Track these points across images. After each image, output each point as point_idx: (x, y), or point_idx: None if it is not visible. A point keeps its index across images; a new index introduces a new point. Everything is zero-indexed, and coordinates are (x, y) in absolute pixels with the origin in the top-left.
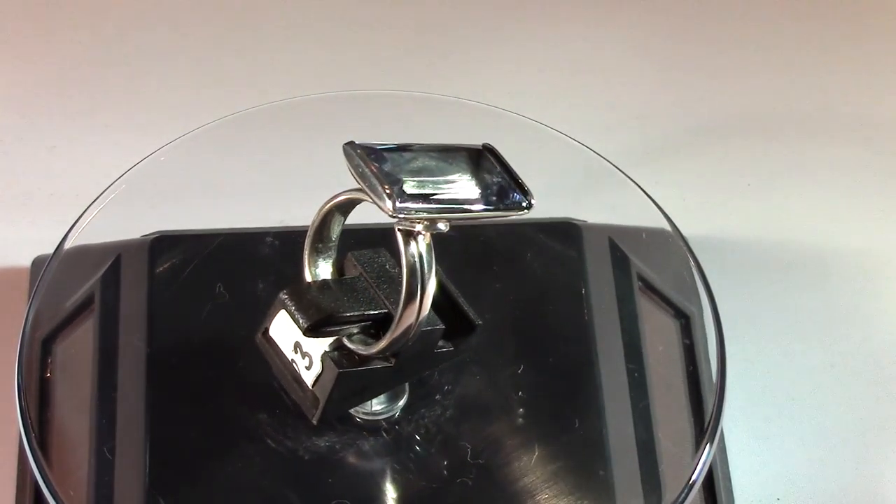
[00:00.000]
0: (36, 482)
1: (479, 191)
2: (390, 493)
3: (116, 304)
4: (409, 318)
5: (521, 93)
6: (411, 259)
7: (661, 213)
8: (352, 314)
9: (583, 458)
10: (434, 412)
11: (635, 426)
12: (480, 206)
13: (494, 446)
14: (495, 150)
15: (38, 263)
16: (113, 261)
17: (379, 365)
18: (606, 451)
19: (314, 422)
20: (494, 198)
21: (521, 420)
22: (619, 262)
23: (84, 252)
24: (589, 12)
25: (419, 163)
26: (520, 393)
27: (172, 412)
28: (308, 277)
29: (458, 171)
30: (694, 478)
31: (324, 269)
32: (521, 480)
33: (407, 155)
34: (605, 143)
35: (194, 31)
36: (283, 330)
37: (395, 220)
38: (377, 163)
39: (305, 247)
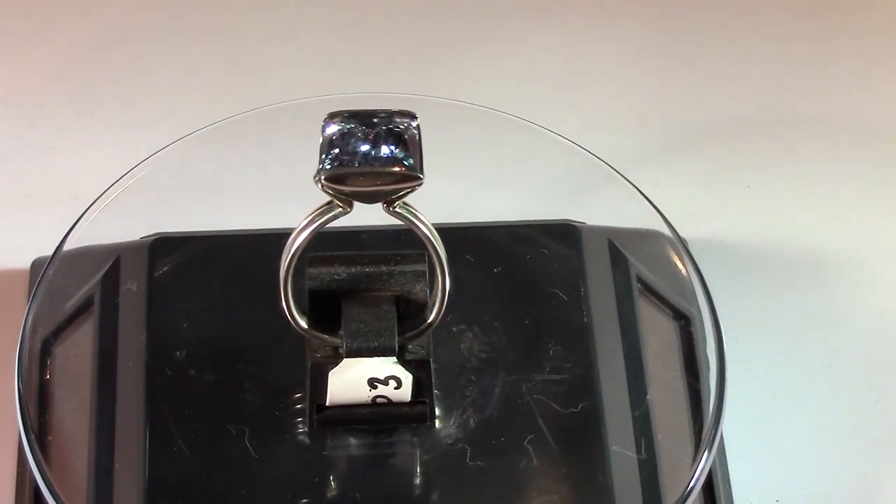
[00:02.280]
0: (35, 482)
1: (396, 132)
2: (389, 494)
3: (116, 306)
4: (445, 274)
5: (520, 94)
6: (423, 224)
7: (659, 216)
8: (395, 317)
9: (582, 460)
10: (432, 414)
11: (634, 428)
12: (415, 135)
13: (493, 448)
14: (341, 111)
15: (38, 265)
16: (112, 262)
17: (427, 334)
18: (606, 453)
19: (436, 421)
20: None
21: (519, 422)
22: (618, 263)
23: (83, 254)
24: (587, 14)
25: (361, 143)
26: (518, 395)
27: (172, 413)
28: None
29: (371, 133)
30: (693, 482)
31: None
32: (520, 483)
33: (349, 147)
34: (605, 144)
35: (194, 34)
36: (347, 385)
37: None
38: (362, 166)
39: (291, 316)
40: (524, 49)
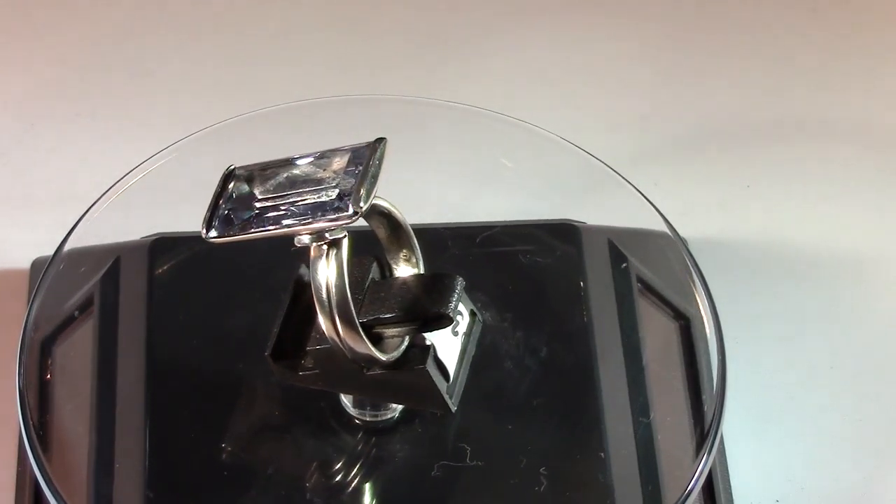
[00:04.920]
0: (36, 482)
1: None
2: (389, 494)
3: (116, 306)
4: (407, 224)
5: (520, 96)
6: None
7: (659, 216)
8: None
9: (582, 460)
10: (432, 415)
11: (634, 429)
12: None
13: (493, 448)
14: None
15: (38, 265)
16: (112, 262)
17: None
18: (606, 453)
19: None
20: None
21: (519, 422)
22: (619, 263)
23: (84, 254)
24: (588, 15)
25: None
26: (519, 395)
27: (172, 413)
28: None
29: (317, 167)
30: (693, 482)
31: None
32: (519, 483)
33: (347, 175)
34: (605, 144)
35: (195, 34)
36: (451, 349)
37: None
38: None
39: (378, 360)
40: (524, 50)
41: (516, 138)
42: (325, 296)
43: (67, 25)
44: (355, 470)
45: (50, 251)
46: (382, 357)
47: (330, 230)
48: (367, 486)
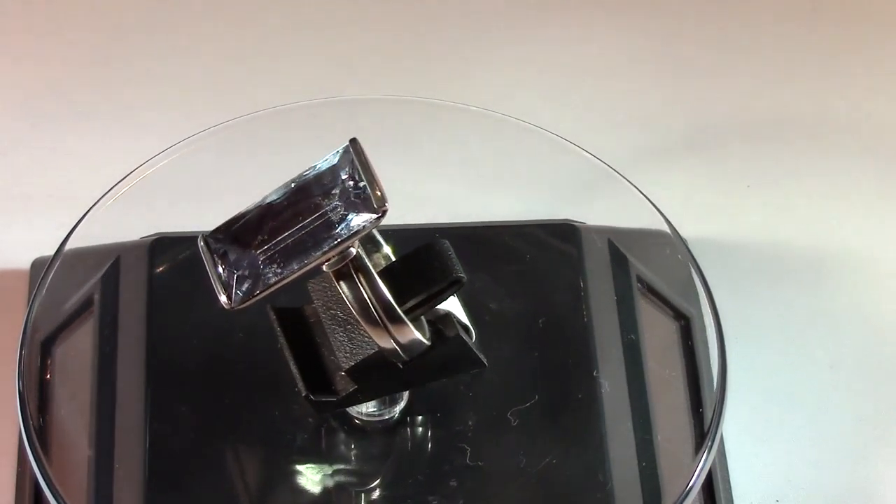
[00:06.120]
0: (36, 482)
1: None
2: (390, 494)
3: (116, 306)
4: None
5: (520, 96)
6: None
7: (660, 215)
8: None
9: (582, 460)
10: (432, 414)
11: (635, 428)
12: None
13: (493, 448)
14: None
15: (38, 265)
16: (112, 262)
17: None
18: (606, 453)
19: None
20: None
21: (519, 422)
22: (619, 263)
23: (84, 254)
24: (587, 14)
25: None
26: (518, 395)
27: (172, 413)
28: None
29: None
30: (693, 481)
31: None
32: (520, 483)
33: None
34: (606, 144)
35: (195, 35)
36: (457, 310)
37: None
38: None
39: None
40: (524, 50)
41: (516, 138)
42: (364, 307)
43: (68, 25)
44: (354, 470)
45: (50, 251)
46: (426, 341)
47: (354, 244)
48: (367, 485)
